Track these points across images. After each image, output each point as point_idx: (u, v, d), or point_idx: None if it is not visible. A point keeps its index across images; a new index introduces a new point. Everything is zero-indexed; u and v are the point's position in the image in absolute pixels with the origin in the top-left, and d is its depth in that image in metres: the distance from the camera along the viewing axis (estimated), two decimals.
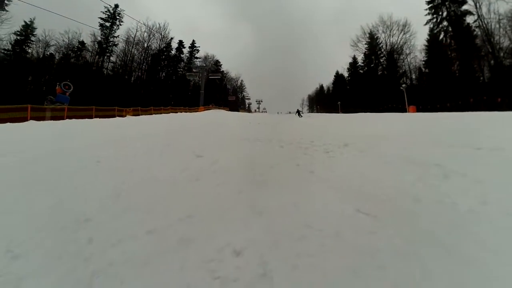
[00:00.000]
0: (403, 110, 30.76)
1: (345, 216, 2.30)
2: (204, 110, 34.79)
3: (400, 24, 49.28)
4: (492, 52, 33.66)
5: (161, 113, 24.83)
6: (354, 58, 59.35)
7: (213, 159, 4.51)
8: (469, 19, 37.41)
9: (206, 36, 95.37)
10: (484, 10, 35.13)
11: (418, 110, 28.04)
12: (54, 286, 1.45)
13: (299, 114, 30.03)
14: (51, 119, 14.42)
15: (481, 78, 35.02)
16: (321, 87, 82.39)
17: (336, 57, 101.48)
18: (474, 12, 36.46)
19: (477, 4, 35.90)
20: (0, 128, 8.42)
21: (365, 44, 55.53)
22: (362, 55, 56.73)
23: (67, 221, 2.19)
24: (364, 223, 2.15)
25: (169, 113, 26.22)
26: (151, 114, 23.66)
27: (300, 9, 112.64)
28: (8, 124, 10.18)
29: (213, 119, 16.02)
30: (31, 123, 11.41)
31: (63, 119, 14.92)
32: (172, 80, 53.98)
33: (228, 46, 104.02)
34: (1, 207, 2.53)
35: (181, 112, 28.95)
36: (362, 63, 57.32)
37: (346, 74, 63.40)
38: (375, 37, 53.60)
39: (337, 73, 67.79)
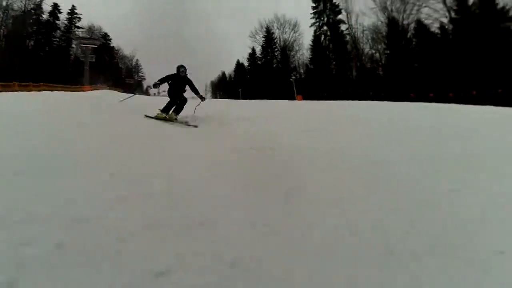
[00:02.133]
0: (292, 98, 35.42)
1: None
2: (91, 90, 30.11)
3: (292, 23, 54.85)
4: (358, 56, 42.39)
5: (30, 90, 20.15)
6: (253, 49, 62.54)
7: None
8: (343, 27, 45.56)
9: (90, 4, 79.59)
10: (353, 20, 43.68)
11: (304, 99, 33.07)
12: None
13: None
14: None
15: (351, 76, 43.78)
16: (223, 74, 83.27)
17: (238, 45, 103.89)
18: (346, 22, 44.76)
19: (348, 15, 44.36)
20: None
21: (263, 37, 59.45)
22: (260, 47, 60.62)
23: None
24: None
25: (40, 90, 21.53)
26: (16, 91, 18.88)
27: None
28: None
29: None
30: None
31: None
32: (45, 51, 43.77)
33: (121, 20, 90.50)
34: None
35: (58, 90, 24.18)
36: (260, 54, 61.21)
37: (246, 64, 66.41)
38: (271, 31, 58.12)
39: (238, 61, 70.05)
